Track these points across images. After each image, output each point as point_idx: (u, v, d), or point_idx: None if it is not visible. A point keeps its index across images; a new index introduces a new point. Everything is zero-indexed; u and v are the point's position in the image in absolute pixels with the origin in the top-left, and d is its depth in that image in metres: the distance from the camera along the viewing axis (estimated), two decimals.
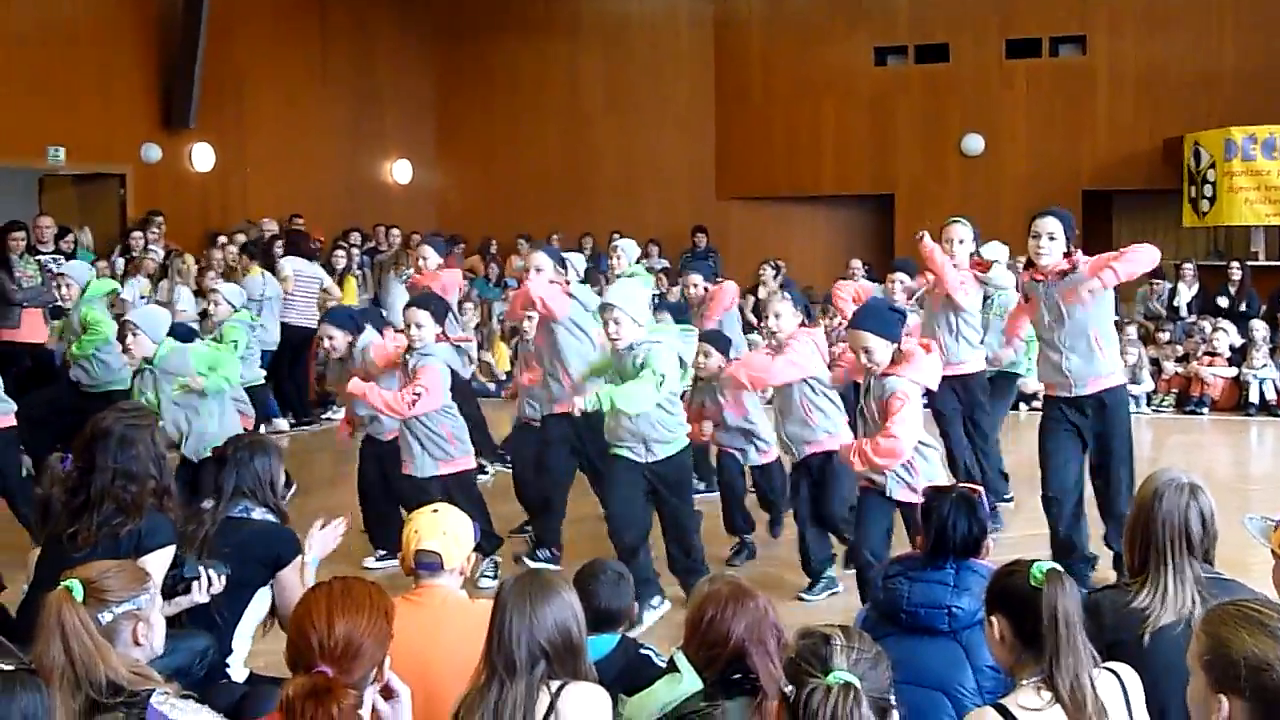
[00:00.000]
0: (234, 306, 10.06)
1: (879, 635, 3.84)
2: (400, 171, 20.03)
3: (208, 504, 4.96)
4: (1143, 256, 6.83)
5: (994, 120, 18.78)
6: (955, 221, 8.75)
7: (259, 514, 4.96)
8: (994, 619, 3.41)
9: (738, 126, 19.99)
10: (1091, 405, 7.09)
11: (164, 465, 4.68)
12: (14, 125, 14.24)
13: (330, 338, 8.11)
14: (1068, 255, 7.00)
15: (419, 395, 7.08)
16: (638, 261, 11.86)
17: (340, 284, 14.37)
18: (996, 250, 10.10)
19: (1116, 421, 7.14)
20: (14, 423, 8.31)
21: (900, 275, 9.41)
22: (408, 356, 7.33)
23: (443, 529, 4.32)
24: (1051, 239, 6.97)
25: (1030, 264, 7.16)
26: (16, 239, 12.13)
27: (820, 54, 19.48)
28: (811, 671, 2.81)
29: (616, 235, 15.39)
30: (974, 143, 18.85)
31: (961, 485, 4.29)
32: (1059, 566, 3.35)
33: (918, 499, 6.13)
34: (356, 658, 3.07)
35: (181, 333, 8.87)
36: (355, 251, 16.20)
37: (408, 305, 7.51)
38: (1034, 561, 3.38)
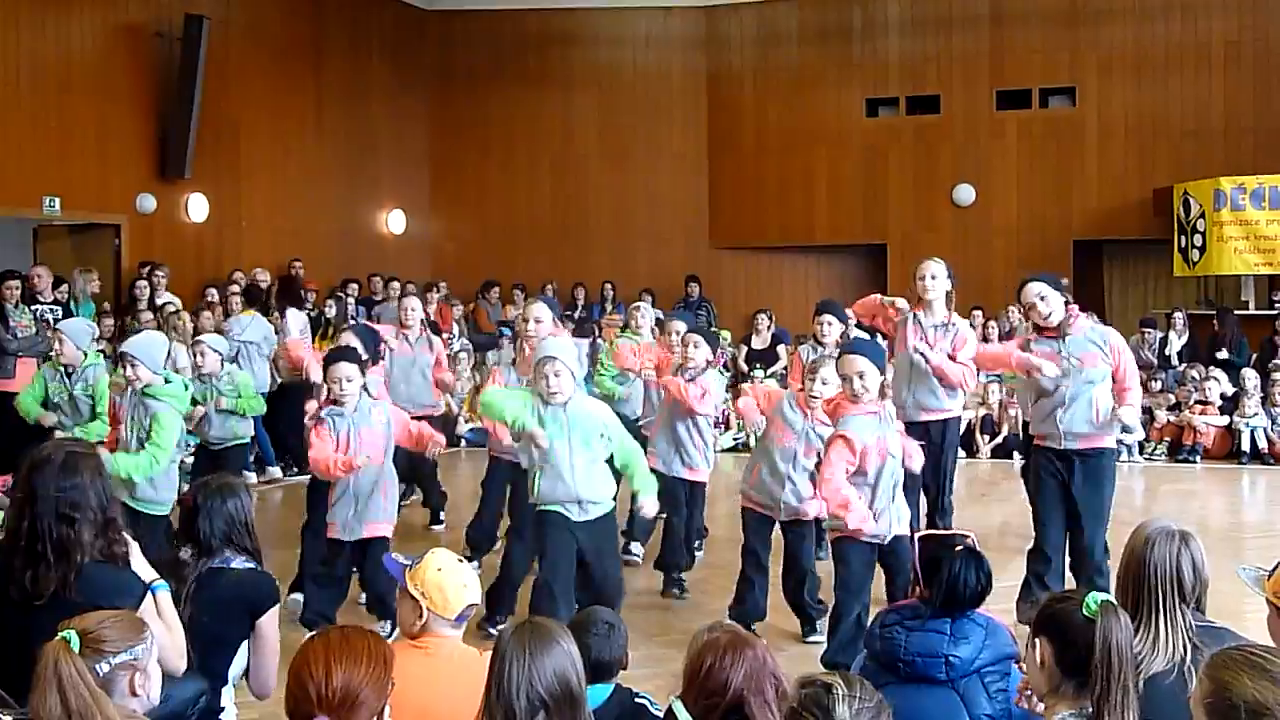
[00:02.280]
0: (221, 354, 9.54)
1: (877, 684, 3.83)
2: (395, 221, 20.07)
3: (186, 553, 4.89)
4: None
5: (985, 170, 18.91)
6: (928, 259, 8.53)
7: (238, 562, 4.89)
8: (1038, 641, 3.39)
9: (731, 176, 20.11)
10: (1078, 461, 7.28)
11: (109, 496, 4.46)
12: (9, 175, 14.27)
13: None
14: (1068, 305, 7.21)
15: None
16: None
17: (335, 336, 14.26)
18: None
19: (1101, 482, 7.33)
20: None
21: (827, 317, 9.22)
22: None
23: (478, 583, 4.35)
24: (1043, 299, 7.17)
25: (1038, 328, 7.39)
26: (11, 288, 12.12)
27: (812, 105, 19.63)
28: None
29: (646, 297, 15.46)
30: (965, 193, 18.97)
31: (958, 534, 4.28)
32: (1114, 600, 3.32)
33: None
34: (354, 708, 3.07)
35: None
36: (351, 301, 16.20)
37: (333, 359, 7.30)
38: (1090, 592, 3.36)
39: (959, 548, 4.10)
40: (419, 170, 20.68)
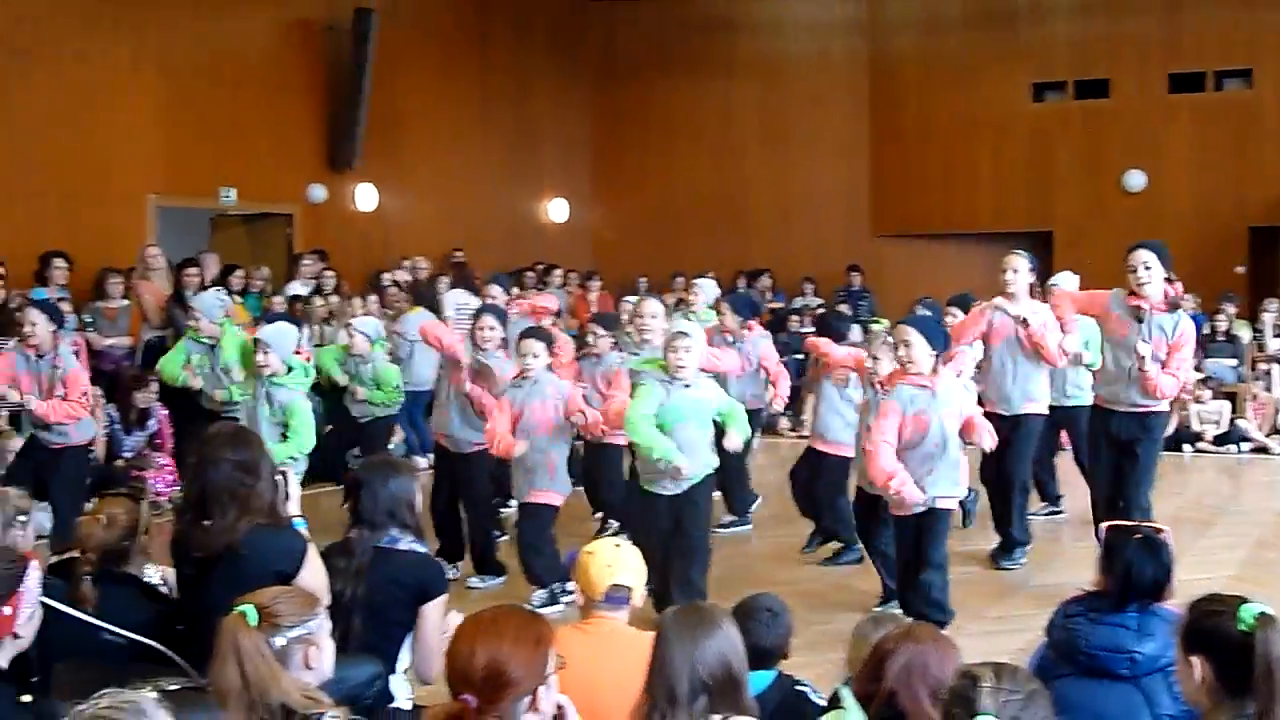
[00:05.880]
0: (370, 338, 10.32)
1: (1055, 675, 3.75)
2: (556, 210, 20.26)
3: (354, 532, 4.92)
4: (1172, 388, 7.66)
5: (1156, 156, 18.38)
6: (1013, 253, 8.83)
7: (405, 543, 4.88)
8: (1194, 660, 3.20)
9: (892, 163, 19.87)
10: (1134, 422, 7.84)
11: (277, 480, 4.64)
12: (189, 166, 14.74)
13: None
14: (1169, 281, 7.56)
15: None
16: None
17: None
18: (1068, 280, 10.08)
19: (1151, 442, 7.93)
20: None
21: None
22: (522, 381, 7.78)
23: (634, 565, 4.40)
24: (1148, 268, 7.50)
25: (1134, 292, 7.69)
26: (190, 275, 12.55)
27: (977, 90, 19.28)
28: (958, 715, 2.78)
29: (705, 275, 15.36)
30: (1135, 179, 18.47)
31: (1145, 525, 4.17)
32: (1269, 610, 3.15)
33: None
34: (500, 686, 3.07)
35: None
36: (515, 290, 16.38)
37: (522, 335, 7.99)
38: (1242, 602, 3.18)
39: (1136, 536, 3.99)
40: (581, 159, 20.83)
